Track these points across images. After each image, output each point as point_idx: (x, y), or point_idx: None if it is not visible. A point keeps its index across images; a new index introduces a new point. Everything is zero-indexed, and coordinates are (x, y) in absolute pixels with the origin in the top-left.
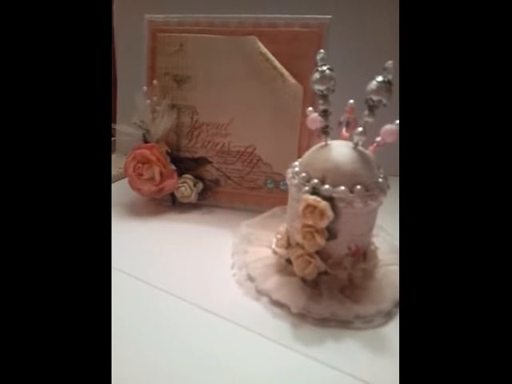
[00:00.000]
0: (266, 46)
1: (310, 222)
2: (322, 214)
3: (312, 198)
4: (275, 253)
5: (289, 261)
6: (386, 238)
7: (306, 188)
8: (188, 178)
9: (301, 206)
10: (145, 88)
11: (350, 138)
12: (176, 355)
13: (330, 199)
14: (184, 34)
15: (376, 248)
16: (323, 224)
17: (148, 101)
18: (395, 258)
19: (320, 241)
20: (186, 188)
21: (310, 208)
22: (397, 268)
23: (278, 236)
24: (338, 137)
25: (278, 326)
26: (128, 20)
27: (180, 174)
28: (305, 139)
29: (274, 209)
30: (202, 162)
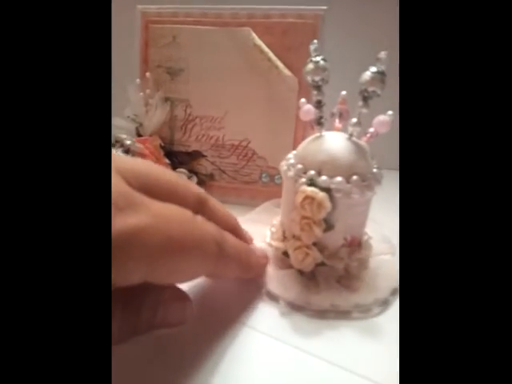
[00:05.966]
0: (261, 38)
1: (308, 214)
2: (320, 205)
3: (310, 190)
4: (271, 246)
5: (285, 253)
6: (375, 228)
7: (303, 180)
8: (182, 172)
9: (298, 198)
10: (138, 81)
11: (343, 129)
12: (170, 350)
13: (327, 190)
14: (177, 26)
15: (369, 238)
16: (321, 215)
17: (141, 94)
18: (387, 247)
19: (318, 232)
20: None
21: (308, 199)
22: (389, 257)
23: (273, 229)
24: (331, 128)
25: (275, 319)
26: (120, 11)
27: (174, 168)
28: (300, 132)
29: (265, 203)
30: (196, 155)
